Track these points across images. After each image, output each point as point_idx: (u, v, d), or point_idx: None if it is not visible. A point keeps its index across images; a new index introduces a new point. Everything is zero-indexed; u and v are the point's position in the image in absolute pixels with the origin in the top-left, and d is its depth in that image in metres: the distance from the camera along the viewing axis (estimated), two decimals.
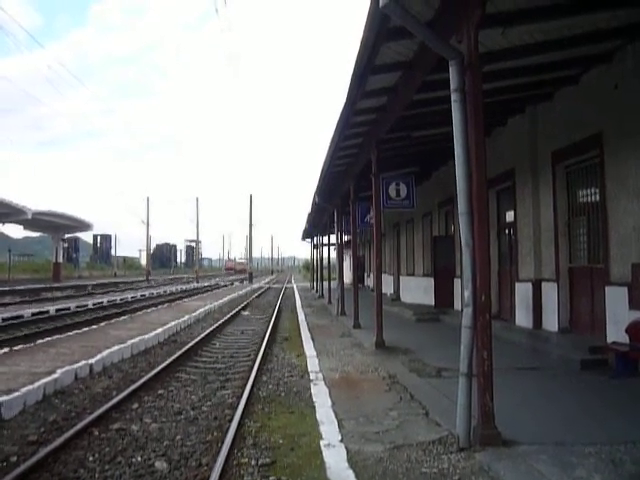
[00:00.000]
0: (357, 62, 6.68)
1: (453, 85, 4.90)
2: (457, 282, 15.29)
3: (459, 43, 5.05)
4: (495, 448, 4.52)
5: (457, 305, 15.27)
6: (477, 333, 4.69)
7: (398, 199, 12.83)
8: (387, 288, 23.73)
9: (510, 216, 12.34)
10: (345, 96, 7.84)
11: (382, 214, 12.68)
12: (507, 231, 12.71)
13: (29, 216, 44.89)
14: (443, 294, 16.22)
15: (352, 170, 13.29)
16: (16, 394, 6.26)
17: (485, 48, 6.30)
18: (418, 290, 19.52)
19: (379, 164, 10.45)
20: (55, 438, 5.17)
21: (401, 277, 23.68)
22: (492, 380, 4.70)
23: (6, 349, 9.80)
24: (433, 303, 16.71)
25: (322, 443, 4.88)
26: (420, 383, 7.27)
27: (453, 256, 15.66)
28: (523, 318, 11.00)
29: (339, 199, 17.12)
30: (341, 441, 4.93)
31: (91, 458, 4.80)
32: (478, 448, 4.55)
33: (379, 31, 5.86)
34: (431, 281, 17.17)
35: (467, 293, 4.72)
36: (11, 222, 48.16)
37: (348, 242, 26.43)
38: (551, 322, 10.12)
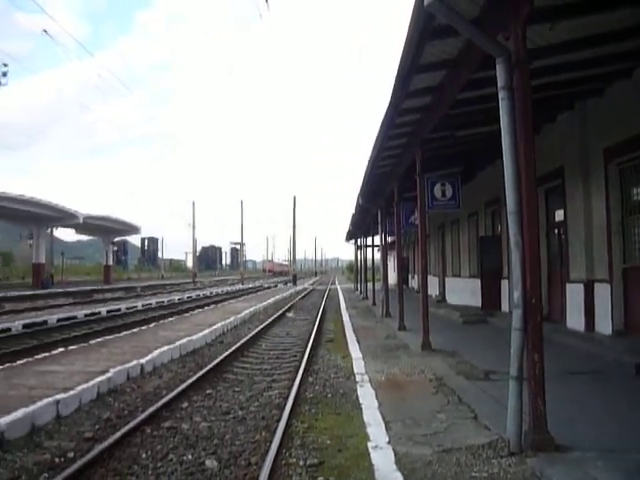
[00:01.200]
0: (401, 62, 6.64)
1: (500, 83, 4.81)
2: (504, 283, 15.00)
3: (506, 40, 4.95)
4: (548, 453, 4.41)
5: (505, 307, 14.98)
6: (528, 335, 4.58)
7: (443, 199, 12.68)
8: (432, 289, 23.41)
9: (560, 215, 12.02)
10: (389, 96, 7.81)
11: (427, 215, 12.55)
12: (556, 231, 12.39)
13: (81, 220, 46.43)
14: (490, 295, 15.93)
15: (396, 171, 13.20)
16: (72, 392, 6.49)
17: (533, 44, 6.15)
18: (464, 291, 19.24)
19: (423, 164, 10.35)
20: (109, 435, 5.34)
21: (446, 278, 23.39)
22: (544, 384, 4.59)
23: (62, 348, 10.17)
24: (480, 305, 16.43)
25: (369, 445, 4.86)
26: (468, 386, 7.16)
27: (500, 257, 15.38)
28: (574, 320, 10.69)
29: (383, 200, 17.03)
30: (388, 443, 4.90)
31: (144, 455, 4.94)
32: (530, 453, 4.45)
33: (424, 30, 5.80)
34: (478, 282, 16.89)
35: (517, 294, 4.63)
36: (64, 226, 49.97)
37: (392, 243, 26.29)
38: (604, 324, 9.81)
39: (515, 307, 4.63)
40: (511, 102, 4.77)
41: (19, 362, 8.70)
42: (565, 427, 4.84)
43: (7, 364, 8.50)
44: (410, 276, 35.48)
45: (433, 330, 10.49)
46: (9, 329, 14.38)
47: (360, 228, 29.41)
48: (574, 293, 10.77)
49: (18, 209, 39.54)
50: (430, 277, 20.21)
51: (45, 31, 16.69)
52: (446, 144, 11.96)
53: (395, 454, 4.60)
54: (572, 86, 9.35)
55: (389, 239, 23.59)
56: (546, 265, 12.18)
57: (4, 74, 47.34)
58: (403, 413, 5.94)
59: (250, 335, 12.70)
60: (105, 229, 55.63)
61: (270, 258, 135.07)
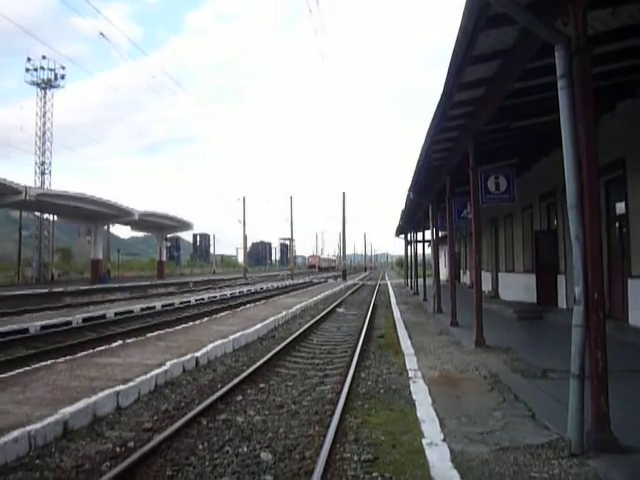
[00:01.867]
0: (454, 53, 6.51)
1: (559, 71, 4.65)
2: (561, 278, 14.56)
3: (565, 26, 4.78)
4: (611, 455, 4.25)
5: (561, 303, 14.54)
6: (589, 332, 4.42)
7: (497, 193, 12.37)
8: (484, 285, 22.89)
9: (621, 208, 11.55)
10: (442, 88, 7.68)
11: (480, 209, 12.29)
12: (617, 224, 11.92)
13: (136, 217, 47.80)
14: (546, 291, 15.49)
15: (448, 164, 13.00)
16: (131, 384, 6.70)
17: (593, 30, 5.92)
18: (518, 287, 18.78)
19: (477, 157, 10.15)
20: (167, 426, 5.48)
21: (499, 274, 22.88)
22: (607, 382, 4.42)
23: (120, 341, 10.51)
24: (535, 300, 16.00)
25: (424, 442, 4.81)
26: (524, 384, 6.99)
27: (556, 251, 14.93)
28: (638, 317, 10.27)
29: (434, 194, 16.82)
30: (444, 440, 4.83)
31: (201, 446, 5.04)
32: (592, 454, 4.30)
33: (478, 20, 5.68)
34: (532, 278, 16.45)
35: (578, 290, 4.47)
36: (121, 223, 51.51)
37: (443, 238, 25.92)
38: None
39: (576, 303, 4.48)
40: (570, 90, 4.61)
41: (80, 354, 9.04)
42: (629, 427, 4.65)
43: (69, 356, 8.84)
44: (462, 271, 34.92)
45: (487, 326, 10.28)
46: (70, 322, 14.94)
47: (410, 223, 29.13)
48: (637, 289, 10.34)
49: (80, 207, 41.04)
50: (482, 272, 19.87)
51: (102, 34, 17.22)
52: (500, 136, 11.70)
53: (451, 452, 4.53)
54: (634, 73, 8.96)
55: (440, 234, 23.24)
56: (606, 260, 11.74)
57: (62, 77, 49.48)
58: (457, 410, 5.85)
59: (301, 330, 12.78)
60: (159, 226, 57.10)
61: (317, 253, 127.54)
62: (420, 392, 6.71)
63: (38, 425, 4.98)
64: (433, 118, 9.10)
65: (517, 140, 12.52)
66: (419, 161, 13.00)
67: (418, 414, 5.75)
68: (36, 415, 5.32)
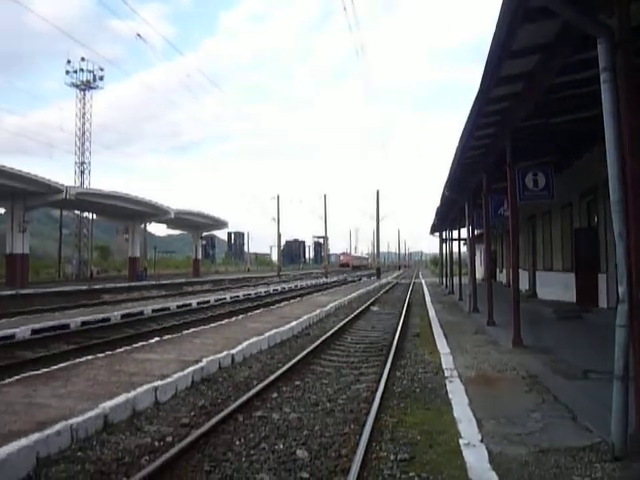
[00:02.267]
0: (492, 48, 6.39)
1: (602, 64, 4.52)
2: (601, 278, 14.21)
3: (608, 18, 4.65)
4: None
5: (602, 302, 14.19)
6: (633, 332, 4.30)
7: (536, 190, 12.13)
8: (522, 284, 22.50)
9: None
10: (478, 84, 7.56)
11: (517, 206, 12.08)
12: None
13: (172, 215, 48.50)
14: (586, 290, 15.14)
15: (484, 161, 12.80)
16: (169, 380, 6.81)
17: (636, 21, 5.75)
18: (557, 286, 18.39)
19: (514, 154, 9.97)
20: (204, 422, 5.55)
21: (537, 272, 22.44)
22: None
23: (157, 338, 10.68)
24: (574, 300, 15.66)
25: (461, 442, 4.75)
26: (564, 385, 6.83)
27: (597, 250, 14.56)
28: None
29: (470, 192, 16.58)
30: (481, 441, 4.77)
31: (237, 443, 5.09)
32: (636, 458, 4.18)
33: (516, 13, 5.55)
34: (572, 277, 16.10)
35: (621, 289, 4.35)
36: (157, 221, 52.35)
37: (478, 236, 25.56)
38: None
39: (620, 302, 4.36)
40: (614, 84, 4.48)
41: (119, 350, 9.23)
42: None
43: (108, 352, 9.03)
44: (498, 270, 34.40)
45: (524, 326, 10.09)
46: (109, 319, 15.28)
47: (445, 221, 28.83)
48: None
49: (117, 206, 41.92)
50: (520, 271, 19.54)
51: (139, 35, 17.51)
52: (538, 132, 11.46)
53: (489, 453, 4.47)
54: None
55: (475, 232, 22.93)
56: None
57: (100, 78, 50.59)
58: (495, 411, 5.77)
59: (336, 328, 12.78)
60: (194, 224, 57.86)
61: (351, 251, 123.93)
62: (457, 392, 6.64)
63: (80, 418, 5.11)
64: (470, 114, 8.97)
65: (556, 136, 12.27)
66: (455, 158, 12.84)
67: (455, 414, 5.69)
68: (78, 409, 5.46)
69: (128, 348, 9.43)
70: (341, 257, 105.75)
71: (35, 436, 4.52)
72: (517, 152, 10.24)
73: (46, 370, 7.48)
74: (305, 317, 14.47)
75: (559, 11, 4.77)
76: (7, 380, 6.82)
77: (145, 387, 6.32)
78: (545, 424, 5.26)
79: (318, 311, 16.27)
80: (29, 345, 10.96)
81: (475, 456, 4.41)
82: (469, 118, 9.19)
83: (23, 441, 4.38)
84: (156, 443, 5.09)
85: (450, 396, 6.47)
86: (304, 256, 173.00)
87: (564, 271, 17.92)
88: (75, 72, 49.66)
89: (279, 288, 32.72)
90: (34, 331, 12.40)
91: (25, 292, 25.78)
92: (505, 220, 15.58)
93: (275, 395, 6.89)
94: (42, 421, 5.02)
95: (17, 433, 4.65)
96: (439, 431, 5.23)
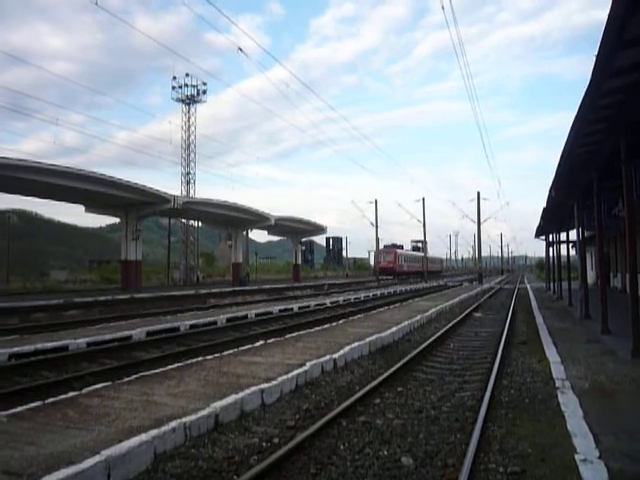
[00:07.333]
0: (604, 38, 6.03)
1: None
2: None
3: None
4: None
5: None
6: None
7: None
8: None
9: None
10: (589, 77, 7.14)
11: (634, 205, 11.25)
12: None
13: (272, 222, 49.85)
14: None
15: (595, 159, 12.04)
16: (274, 382, 6.98)
17: None
18: None
19: (630, 150, 9.31)
20: (309, 425, 5.64)
21: None
22: None
23: (261, 341, 11.00)
24: None
25: (577, 457, 4.50)
26: None
27: None
28: None
29: (579, 192, 15.67)
30: (599, 457, 4.49)
31: (342, 447, 5.12)
32: None
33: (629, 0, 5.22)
34: None
35: None
36: (259, 228, 54.02)
37: (589, 239, 24.09)
38: None
39: None
40: None
41: (226, 352, 9.59)
42: None
43: (217, 354, 9.41)
44: (612, 274, 32.20)
45: None
46: (215, 322, 15.92)
47: (552, 223, 27.42)
48: None
49: (221, 213, 43.82)
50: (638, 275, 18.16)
51: (240, 49, 18.08)
52: None
53: (608, 470, 4.20)
54: None
55: (585, 234, 21.61)
56: None
57: (204, 92, 52.98)
58: (614, 425, 5.41)
59: (437, 334, 12.53)
60: (294, 230, 59.08)
61: (451, 255, 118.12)
62: (569, 403, 6.29)
63: (193, 417, 5.37)
64: (579, 109, 8.48)
65: None
66: (562, 156, 12.18)
67: (569, 427, 5.39)
68: (190, 408, 5.74)
69: (235, 351, 9.77)
70: (381, 258, 62.35)
71: (153, 432, 4.81)
72: (633, 147, 9.55)
73: (162, 369, 7.95)
74: (406, 323, 14.29)
75: None
76: (126, 379, 7.30)
77: (252, 389, 6.53)
78: None
79: (418, 317, 16.02)
80: (144, 346, 11.66)
81: (593, 473, 4.16)
82: (578, 114, 8.70)
83: (143, 437, 4.67)
84: (264, 444, 5.23)
85: (563, 408, 6.14)
86: None
87: None
88: (180, 87, 52.38)
89: (378, 293, 32.57)
90: (148, 333, 13.19)
91: (139, 296, 27.49)
92: (620, 221, 14.55)
93: (378, 401, 6.86)
94: (158, 418, 5.33)
95: (137, 429, 4.97)
96: (551, 444, 4.98)
